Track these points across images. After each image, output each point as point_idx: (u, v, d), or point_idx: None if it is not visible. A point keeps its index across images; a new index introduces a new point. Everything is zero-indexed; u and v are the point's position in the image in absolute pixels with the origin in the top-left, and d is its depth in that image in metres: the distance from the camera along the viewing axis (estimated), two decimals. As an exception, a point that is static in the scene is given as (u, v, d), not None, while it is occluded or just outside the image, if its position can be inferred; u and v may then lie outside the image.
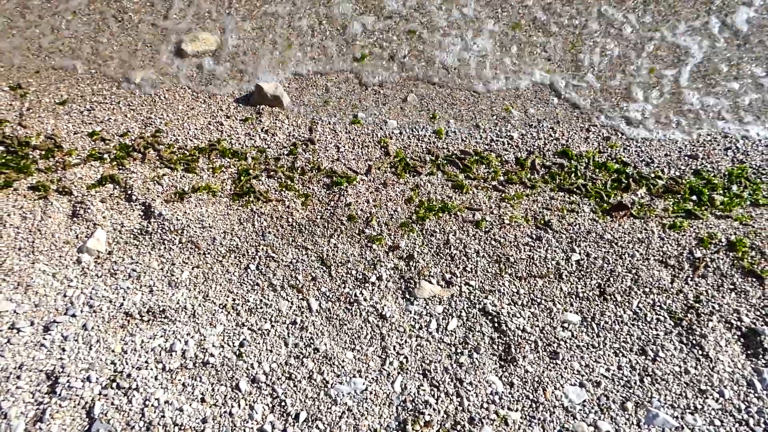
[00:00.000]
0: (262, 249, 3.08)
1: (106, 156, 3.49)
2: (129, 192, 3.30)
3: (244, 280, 2.96)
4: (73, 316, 2.74)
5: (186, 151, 3.55)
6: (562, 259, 2.95)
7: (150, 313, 2.77)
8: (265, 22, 4.21)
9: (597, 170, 3.36)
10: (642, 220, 3.08)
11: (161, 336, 2.69)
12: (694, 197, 3.17)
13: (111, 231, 3.12)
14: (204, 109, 3.79)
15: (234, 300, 2.87)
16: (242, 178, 3.41)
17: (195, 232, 3.13)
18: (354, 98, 3.83)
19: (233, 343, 2.68)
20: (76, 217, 3.17)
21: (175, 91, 3.89)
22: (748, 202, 3.17)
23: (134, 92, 3.88)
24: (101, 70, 4.01)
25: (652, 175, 3.30)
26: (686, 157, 3.40)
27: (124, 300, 2.83)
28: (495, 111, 3.71)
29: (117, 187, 3.33)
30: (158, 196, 3.29)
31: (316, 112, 3.78)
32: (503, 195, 3.27)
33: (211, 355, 2.62)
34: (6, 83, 3.92)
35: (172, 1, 4.33)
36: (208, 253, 3.06)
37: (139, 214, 3.21)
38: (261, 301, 2.86)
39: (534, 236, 3.06)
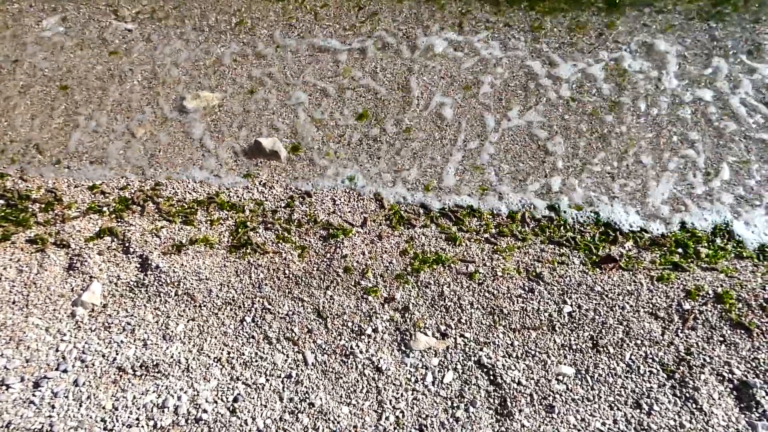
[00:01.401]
0: (259, 301, 3.09)
1: (105, 209, 3.55)
2: (127, 244, 3.34)
3: (239, 332, 2.95)
4: (65, 371, 2.70)
5: (185, 204, 3.63)
6: (555, 311, 2.99)
7: (143, 368, 2.74)
8: (264, 84, 4.41)
9: (585, 223, 3.47)
10: (631, 272, 3.16)
11: (153, 391, 2.65)
12: (680, 250, 3.28)
13: (107, 284, 3.13)
14: (204, 163, 3.90)
15: (229, 353, 2.85)
16: (240, 230, 3.47)
17: (191, 284, 3.15)
18: (350, 152, 3.97)
19: (227, 398, 2.64)
20: (72, 269, 3.19)
21: (175, 145, 4.01)
22: (733, 255, 3.27)
23: (136, 147, 3.99)
24: (104, 125, 4.14)
25: (639, 229, 3.42)
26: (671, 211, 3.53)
27: (117, 354, 2.80)
28: (485, 168, 3.85)
29: (115, 239, 3.37)
30: (156, 248, 3.33)
31: (313, 166, 3.90)
32: (495, 247, 3.35)
33: (204, 411, 2.58)
34: (11, 140, 4.03)
35: (177, 59, 4.54)
36: (204, 306, 3.07)
37: (136, 267, 3.23)
38: (256, 354, 2.85)
39: (526, 288, 3.11)
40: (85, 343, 2.85)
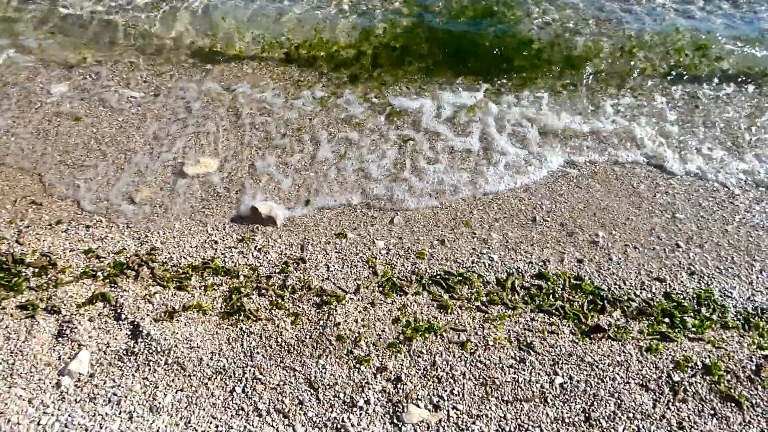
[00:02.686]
0: (250, 370, 3.06)
1: (99, 274, 3.56)
2: (118, 310, 3.32)
3: (228, 404, 2.90)
4: (46, 446, 2.61)
5: (180, 269, 3.66)
6: (546, 383, 3.00)
7: (128, 443, 2.66)
8: (263, 152, 4.58)
9: (573, 291, 3.55)
10: (620, 343, 3.20)
11: (138, 469, 2.56)
12: (666, 320, 3.35)
13: (96, 352, 3.09)
14: (200, 228, 3.97)
15: (217, 426, 2.79)
16: (233, 296, 3.49)
17: (182, 352, 3.12)
18: (344, 219, 4.08)
19: (214, 476, 2.56)
20: (61, 337, 3.15)
21: (173, 210, 4.09)
22: (719, 325, 3.35)
23: (134, 211, 4.06)
24: (104, 188, 4.23)
25: (625, 297, 3.50)
26: (655, 280, 3.64)
27: (101, 428, 2.72)
28: (476, 234, 3.97)
29: (107, 305, 3.36)
30: (148, 314, 3.32)
31: (308, 232, 3.98)
32: (486, 316, 3.39)
33: (190, 491, 2.49)
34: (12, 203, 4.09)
35: (182, 124, 4.72)
36: (194, 375, 3.02)
37: (127, 334, 3.20)
38: (245, 428, 2.78)
39: (518, 358, 3.13)
40: (69, 415, 2.77)
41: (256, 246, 3.86)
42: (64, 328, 3.19)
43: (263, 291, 3.55)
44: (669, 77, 5.25)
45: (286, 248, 3.86)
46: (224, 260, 3.75)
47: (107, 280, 3.53)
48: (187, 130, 4.71)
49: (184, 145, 4.59)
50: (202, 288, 3.54)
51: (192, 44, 5.57)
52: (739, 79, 5.26)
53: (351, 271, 3.71)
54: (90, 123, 4.78)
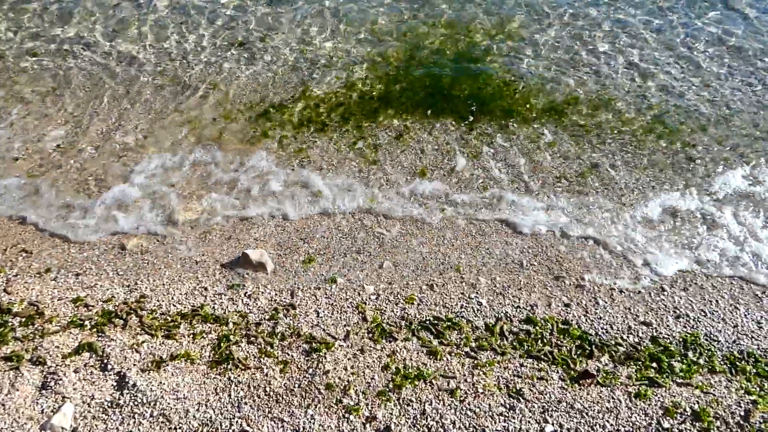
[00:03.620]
0: (237, 422, 3.02)
1: (87, 323, 3.54)
2: (105, 361, 3.29)
3: (214, 458, 2.84)
4: (24, 507, 2.53)
5: (168, 317, 3.64)
6: (537, 431, 2.97)
7: (109, 502, 2.59)
8: (251, 197, 4.66)
9: (561, 336, 3.57)
10: (609, 388, 3.21)
11: None
12: (654, 364, 3.36)
13: (80, 404, 3.04)
14: (190, 274, 3.98)
15: (202, 483, 2.72)
16: (222, 344, 3.47)
17: (168, 403, 3.07)
18: (334, 264, 4.11)
19: None
20: (45, 389, 3.10)
21: (163, 257, 4.12)
22: (706, 369, 3.37)
23: (124, 259, 4.08)
24: (97, 236, 4.26)
25: (613, 342, 3.53)
26: (641, 324, 3.68)
27: (82, 485, 2.65)
28: (465, 278, 4.02)
29: (93, 355, 3.33)
30: (135, 364, 3.28)
31: (297, 278, 4.01)
32: (476, 362, 3.39)
33: None
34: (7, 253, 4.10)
35: (170, 173, 4.80)
36: (180, 428, 2.97)
37: (113, 385, 3.16)
38: (231, 483, 2.72)
39: (507, 406, 3.12)
40: (50, 472, 2.70)
41: (246, 292, 3.87)
42: (49, 380, 3.15)
43: (252, 338, 3.53)
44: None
45: (276, 294, 3.88)
46: (214, 307, 3.75)
47: (95, 329, 3.50)
48: (179, 178, 4.79)
49: (176, 191, 4.66)
50: (191, 336, 3.52)
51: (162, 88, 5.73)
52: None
53: (341, 317, 3.72)
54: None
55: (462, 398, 3.15)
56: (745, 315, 3.74)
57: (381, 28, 6.50)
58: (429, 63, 6.01)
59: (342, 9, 6.77)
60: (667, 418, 3.03)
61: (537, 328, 3.63)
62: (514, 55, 6.10)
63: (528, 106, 5.52)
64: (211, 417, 3.03)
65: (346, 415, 3.07)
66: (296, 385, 3.23)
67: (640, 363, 3.38)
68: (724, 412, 3.07)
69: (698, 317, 3.71)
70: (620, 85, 5.75)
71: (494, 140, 5.17)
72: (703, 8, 6.77)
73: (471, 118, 5.37)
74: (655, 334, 3.60)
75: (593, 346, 3.49)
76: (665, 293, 3.91)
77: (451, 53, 6.16)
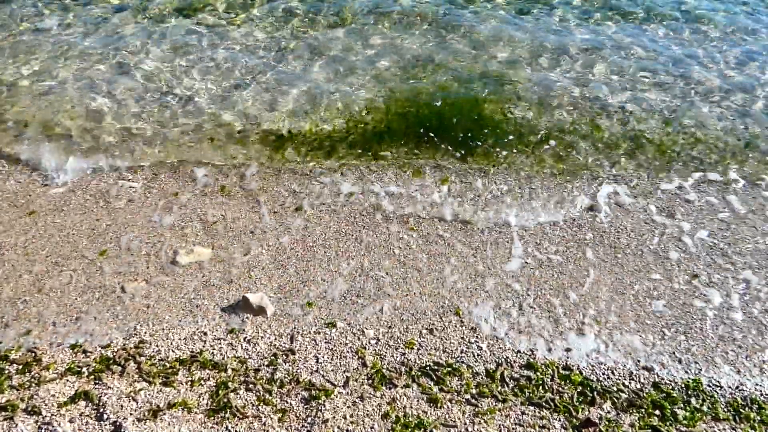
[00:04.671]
0: (234, 475, 2.96)
1: (84, 370, 3.51)
2: (101, 410, 3.25)
3: None
4: None
5: (167, 363, 3.62)
6: (541, 484, 2.92)
7: None
8: (257, 240, 4.70)
9: (562, 382, 3.54)
10: (612, 438, 3.17)
11: None
12: (657, 412, 3.33)
13: (75, 456, 2.99)
14: (190, 319, 3.98)
15: None
16: (220, 391, 3.43)
17: (164, 455, 3.02)
18: (334, 308, 4.12)
19: None
20: (40, 440, 3.05)
21: (164, 301, 4.12)
22: (710, 416, 3.33)
23: (124, 303, 4.08)
24: (96, 279, 4.27)
25: (615, 388, 3.50)
26: (643, 369, 3.66)
27: None
28: (465, 322, 4.02)
29: (90, 404, 3.29)
30: (131, 413, 3.24)
31: (298, 322, 4.00)
32: (476, 410, 3.35)
33: None
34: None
35: (175, 215, 4.86)
36: (175, 481, 2.91)
37: (108, 436, 3.11)
38: None
39: (510, 456, 3.07)
40: None
41: (246, 337, 3.86)
42: (43, 431, 3.10)
43: (251, 385, 3.50)
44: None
45: (275, 339, 3.86)
46: (212, 353, 3.73)
47: (92, 377, 3.47)
48: (184, 219, 4.84)
49: (180, 232, 4.70)
50: (189, 383, 3.49)
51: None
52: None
53: (340, 363, 3.70)
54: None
55: (463, 448, 3.10)
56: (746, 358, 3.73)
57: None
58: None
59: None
60: (673, 469, 2.98)
61: (538, 373, 3.60)
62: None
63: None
64: (207, 469, 2.98)
65: (346, 466, 3.01)
66: (295, 435, 3.18)
67: (642, 410, 3.34)
68: (730, 462, 3.02)
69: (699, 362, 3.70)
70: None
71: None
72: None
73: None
74: (656, 379, 3.58)
75: (595, 393, 3.46)
76: (666, 337, 3.90)
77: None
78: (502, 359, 3.72)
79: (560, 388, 3.50)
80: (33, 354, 3.60)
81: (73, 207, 4.92)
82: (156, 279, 4.29)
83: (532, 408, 3.37)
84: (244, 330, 3.91)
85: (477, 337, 3.89)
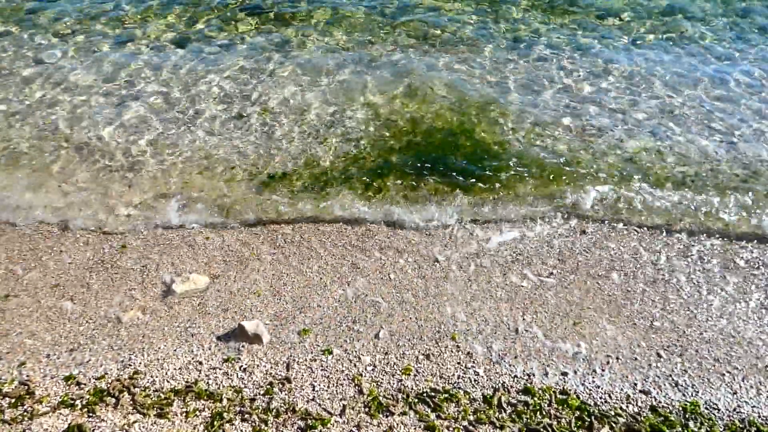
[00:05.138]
0: None
1: (78, 402, 3.48)
2: (95, 443, 3.21)
3: None
4: None
5: (161, 394, 3.59)
6: None
7: None
8: (254, 266, 4.72)
9: (560, 407, 3.53)
10: (611, 464, 3.14)
11: None
12: (655, 436, 3.31)
13: (67, 492, 2.94)
14: (185, 348, 3.96)
15: None
16: (215, 422, 3.40)
17: (158, 490, 2.98)
18: (331, 335, 4.11)
19: None
20: (32, 476, 3.01)
21: (159, 330, 4.11)
22: (707, 439, 3.31)
23: (120, 332, 4.06)
24: (92, 309, 4.26)
25: (612, 413, 3.48)
26: (640, 393, 3.65)
27: None
28: (461, 347, 4.01)
29: (83, 437, 3.25)
30: (125, 447, 3.20)
31: (294, 349, 3.99)
32: (475, 437, 3.33)
33: None
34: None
35: (170, 243, 4.87)
36: None
37: (101, 470, 3.07)
38: None
39: (509, 485, 3.03)
40: None
41: (242, 366, 3.84)
42: (35, 467, 3.06)
43: (246, 415, 3.47)
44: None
45: (271, 367, 3.84)
46: (208, 382, 3.70)
47: (85, 410, 3.44)
48: (180, 247, 4.86)
49: (176, 261, 4.71)
50: (184, 414, 3.46)
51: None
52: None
53: (336, 390, 3.67)
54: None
55: (461, 477, 3.07)
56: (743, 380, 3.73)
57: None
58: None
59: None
60: (673, 495, 2.95)
61: (535, 399, 3.59)
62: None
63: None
64: (202, 504, 2.93)
65: (343, 498, 2.97)
66: (291, 466, 3.14)
67: (641, 435, 3.32)
68: (731, 487, 3.00)
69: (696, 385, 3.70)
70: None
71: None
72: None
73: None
74: (654, 403, 3.57)
75: (593, 417, 3.45)
76: (662, 359, 3.90)
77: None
78: (499, 384, 3.71)
79: (558, 413, 3.48)
80: (26, 387, 3.57)
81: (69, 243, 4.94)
82: (152, 307, 4.28)
83: (530, 434, 3.34)
84: (239, 359, 3.89)
85: (474, 362, 3.88)
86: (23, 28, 8.24)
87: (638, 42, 7.87)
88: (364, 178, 5.67)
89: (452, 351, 3.98)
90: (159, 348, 3.96)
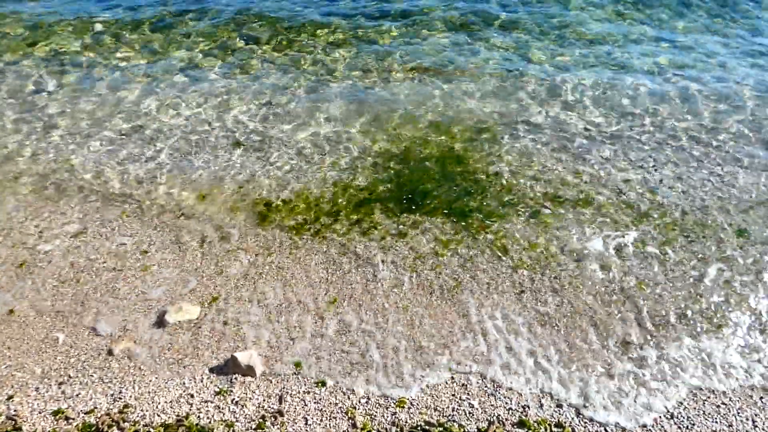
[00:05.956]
0: None
1: (66, 438, 3.42)
2: (82, 482, 3.14)
3: None
4: None
5: (152, 429, 3.53)
6: None
7: None
8: (248, 297, 4.70)
9: (556, 440, 3.50)
10: (608, 500, 3.10)
11: None
12: (651, 470, 3.28)
13: None
14: (177, 381, 3.91)
15: None
16: (206, 458, 3.34)
17: None
18: (323, 365, 4.08)
19: None
20: None
21: (150, 362, 4.06)
22: (703, 473, 3.28)
23: (111, 364, 4.01)
24: (84, 340, 4.21)
25: (608, 446, 3.46)
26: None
27: None
28: (455, 378, 3.99)
29: (70, 475, 3.18)
30: (113, 485, 3.13)
31: (287, 381, 3.95)
32: (470, 472, 3.28)
33: None
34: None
35: (164, 271, 4.86)
36: None
37: None
38: None
39: None
40: None
41: (234, 399, 3.79)
42: (20, 507, 2.98)
43: (238, 451, 3.41)
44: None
45: (264, 400, 3.80)
46: (199, 416, 3.65)
47: (73, 446, 3.37)
48: (174, 276, 4.84)
49: (169, 290, 4.69)
50: (174, 450, 3.39)
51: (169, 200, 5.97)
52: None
53: (330, 424, 3.63)
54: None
55: None
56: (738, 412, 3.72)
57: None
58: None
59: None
60: None
61: (530, 431, 3.56)
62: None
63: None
64: None
65: None
66: (283, 504, 3.08)
67: (637, 469, 3.29)
68: None
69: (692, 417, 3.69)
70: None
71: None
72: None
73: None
74: (649, 435, 3.54)
75: (589, 451, 3.42)
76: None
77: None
78: (494, 417, 3.67)
79: (554, 447, 3.45)
80: (13, 422, 3.51)
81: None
82: (144, 339, 4.24)
83: (525, 469, 3.31)
84: (232, 391, 3.84)
85: (468, 394, 3.85)
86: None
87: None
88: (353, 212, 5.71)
89: (447, 382, 3.95)
90: (150, 380, 3.91)
